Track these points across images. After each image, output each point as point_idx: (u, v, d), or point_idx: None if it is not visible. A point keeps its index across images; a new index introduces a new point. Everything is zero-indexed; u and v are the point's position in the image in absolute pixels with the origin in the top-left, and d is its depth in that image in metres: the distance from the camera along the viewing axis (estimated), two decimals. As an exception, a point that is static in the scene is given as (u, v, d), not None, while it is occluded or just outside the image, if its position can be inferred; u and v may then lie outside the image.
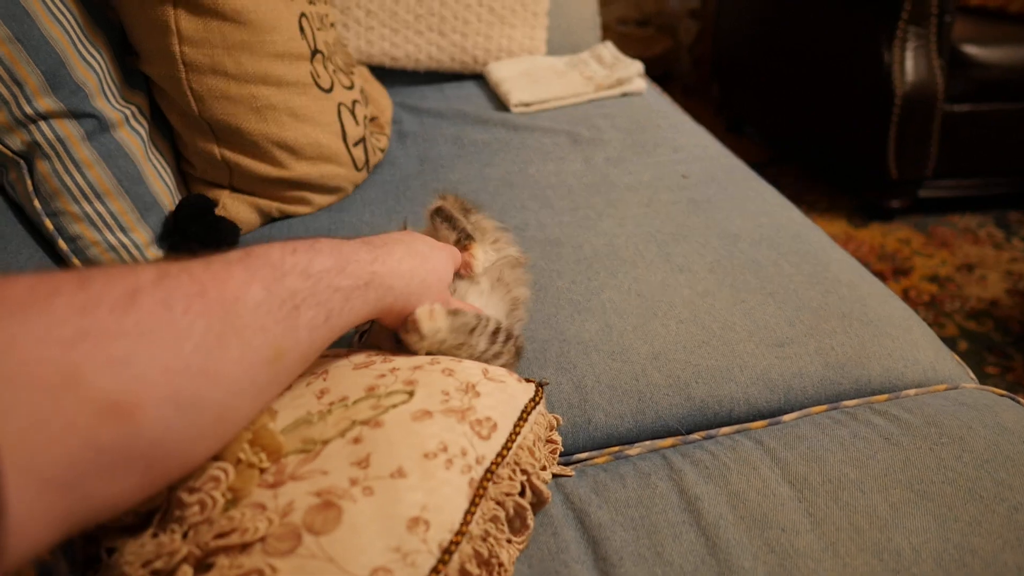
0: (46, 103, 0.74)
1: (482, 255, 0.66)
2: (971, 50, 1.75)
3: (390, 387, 0.46)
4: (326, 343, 0.43)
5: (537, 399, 0.51)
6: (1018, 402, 0.65)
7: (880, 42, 1.73)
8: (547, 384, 0.57)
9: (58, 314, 0.28)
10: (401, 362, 0.50)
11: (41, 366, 0.27)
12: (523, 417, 0.49)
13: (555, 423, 0.56)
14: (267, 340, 0.36)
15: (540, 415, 0.52)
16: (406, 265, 0.50)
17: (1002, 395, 0.66)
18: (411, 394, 0.46)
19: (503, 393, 0.49)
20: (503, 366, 0.57)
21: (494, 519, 0.43)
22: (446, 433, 0.43)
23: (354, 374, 0.48)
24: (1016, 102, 1.79)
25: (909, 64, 1.72)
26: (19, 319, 0.28)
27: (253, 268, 0.37)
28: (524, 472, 0.46)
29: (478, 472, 0.43)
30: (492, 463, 0.44)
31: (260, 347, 0.36)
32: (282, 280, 0.38)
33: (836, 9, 1.89)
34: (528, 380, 0.53)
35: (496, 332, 0.57)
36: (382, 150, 1.13)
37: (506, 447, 0.45)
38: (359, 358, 0.51)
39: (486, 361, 0.56)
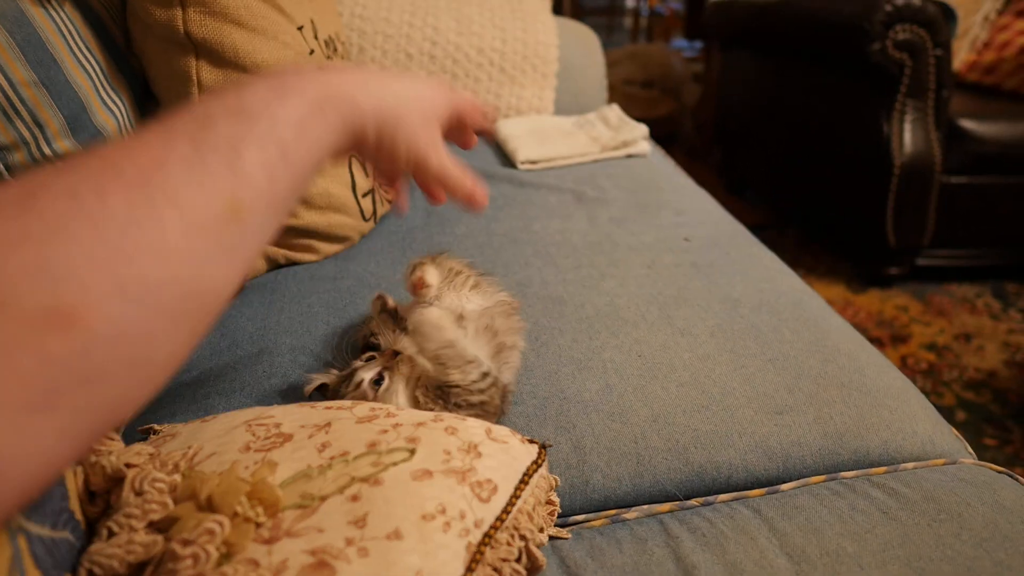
0: (65, 146, 0.76)
1: (435, 277, 0.70)
2: (968, 124, 1.79)
3: (392, 444, 0.46)
4: (298, 181, 0.37)
5: (540, 461, 0.51)
6: (1017, 480, 0.65)
7: (879, 114, 1.78)
8: (551, 446, 0.57)
9: None
10: (404, 418, 0.50)
11: None
12: (524, 480, 0.48)
13: (554, 484, 0.56)
14: (213, 197, 0.32)
15: (542, 478, 0.51)
16: (375, 80, 0.42)
17: (1001, 472, 0.66)
18: (412, 452, 0.45)
19: (505, 455, 0.49)
20: (485, 405, 0.60)
21: (490, 585, 0.42)
22: (446, 494, 0.43)
23: (357, 428, 0.48)
24: (1012, 175, 1.83)
25: (907, 136, 1.77)
26: None
27: (171, 126, 0.33)
28: (523, 537, 0.46)
29: (476, 536, 0.43)
30: (491, 527, 0.44)
31: (207, 207, 0.32)
32: (210, 128, 0.33)
33: (836, 80, 1.94)
34: (531, 441, 0.53)
35: (486, 374, 0.61)
36: (390, 201, 1.15)
37: (506, 511, 0.45)
38: (363, 411, 0.52)
39: (471, 397, 0.58)
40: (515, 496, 0.47)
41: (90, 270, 0.27)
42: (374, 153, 0.44)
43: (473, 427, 0.51)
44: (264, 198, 0.34)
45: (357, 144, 0.42)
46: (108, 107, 0.81)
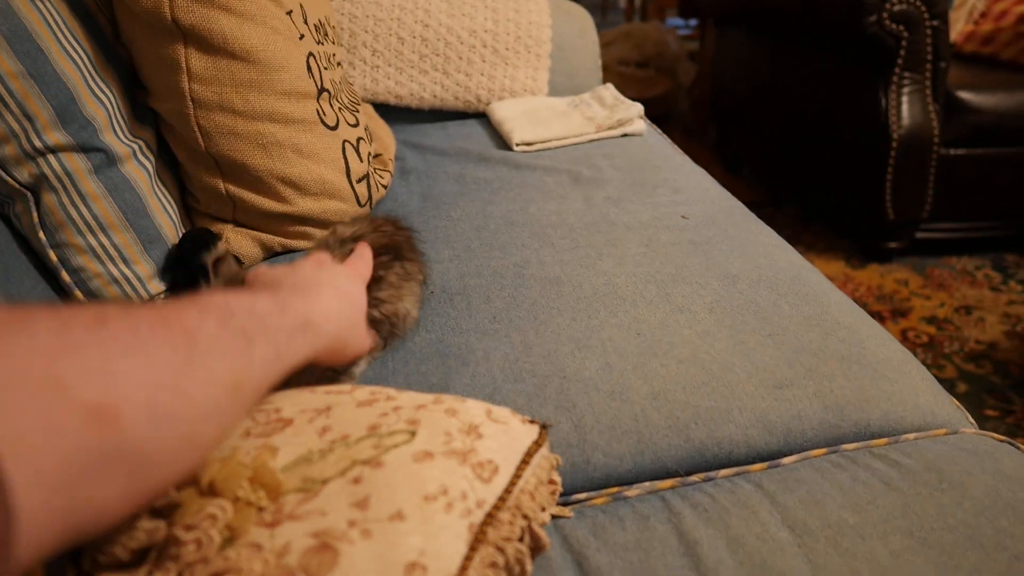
0: (55, 137, 0.75)
1: None
2: (965, 96, 1.78)
3: (392, 426, 0.46)
4: (276, 381, 0.45)
5: (541, 441, 0.51)
6: (1018, 448, 0.65)
7: (877, 87, 1.77)
8: (551, 426, 0.57)
9: (39, 332, 0.32)
10: (404, 400, 0.50)
11: (29, 375, 0.30)
12: (526, 460, 0.48)
13: (556, 463, 0.56)
14: (228, 368, 0.39)
15: (543, 458, 0.51)
16: (334, 307, 0.55)
17: (1002, 441, 0.66)
18: (413, 434, 0.45)
19: (506, 435, 0.49)
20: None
21: (493, 565, 0.42)
22: (447, 475, 0.43)
23: (357, 411, 0.48)
24: (1010, 147, 1.82)
25: (905, 109, 1.76)
26: (3, 336, 0.31)
27: (203, 306, 0.41)
28: (525, 517, 0.46)
29: (478, 516, 0.43)
30: (493, 507, 0.44)
31: (223, 373, 0.39)
32: (232, 317, 0.41)
33: (832, 55, 1.93)
34: (532, 421, 0.53)
35: None
36: (385, 186, 1.14)
37: (507, 491, 0.45)
38: (362, 395, 0.52)
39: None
40: (516, 476, 0.47)
41: (136, 386, 0.33)
42: (327, 362, 0.57)
43: (473, 408, 0.51)
44: (257, 382, 0.42)
45: (318, 358, 0.53)
46: (97, 97, 0.80)
